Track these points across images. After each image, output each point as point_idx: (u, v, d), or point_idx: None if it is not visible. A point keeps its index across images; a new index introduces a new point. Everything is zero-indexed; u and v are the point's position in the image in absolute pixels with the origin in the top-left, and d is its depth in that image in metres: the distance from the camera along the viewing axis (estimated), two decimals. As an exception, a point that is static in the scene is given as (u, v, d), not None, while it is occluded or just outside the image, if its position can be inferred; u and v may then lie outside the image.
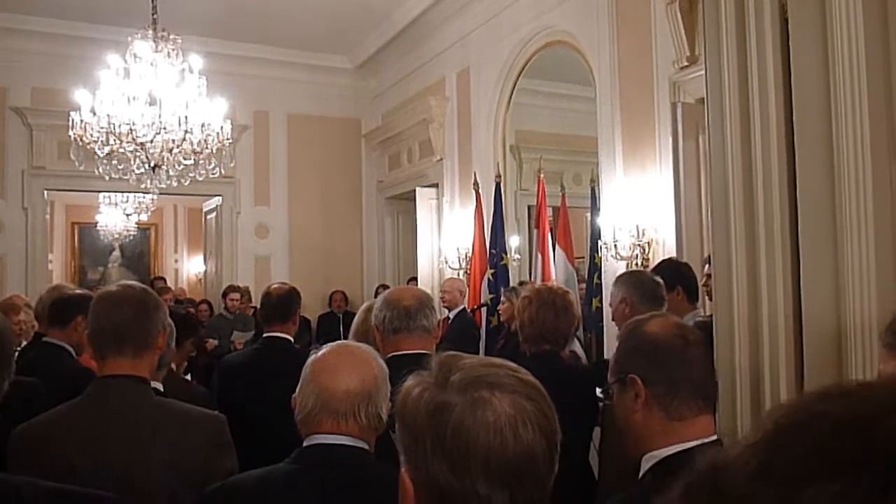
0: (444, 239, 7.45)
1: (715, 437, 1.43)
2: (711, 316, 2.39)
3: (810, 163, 1.91)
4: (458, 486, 0.88)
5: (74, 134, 5.22)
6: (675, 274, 3.26)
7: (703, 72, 2.31)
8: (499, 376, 0.93)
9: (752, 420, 2.02)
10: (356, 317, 2.85)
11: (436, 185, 7.77)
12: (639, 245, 4.93)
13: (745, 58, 2.05)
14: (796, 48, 1.96)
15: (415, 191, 7.91)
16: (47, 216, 8.24)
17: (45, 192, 7.88)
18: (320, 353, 1.62)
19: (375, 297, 4.02)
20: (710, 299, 3.51)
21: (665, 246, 4.76)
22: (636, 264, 4.86)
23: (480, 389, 0.91)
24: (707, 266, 3.58)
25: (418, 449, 0.91)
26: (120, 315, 1.80)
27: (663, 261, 3.85)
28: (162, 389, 2.37)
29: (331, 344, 1.67)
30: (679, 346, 1.44)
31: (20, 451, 1.70)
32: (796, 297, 1.97)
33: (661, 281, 2.98)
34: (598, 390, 2.79)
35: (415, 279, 7.82)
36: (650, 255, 4.86)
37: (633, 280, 2.98)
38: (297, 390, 1.58)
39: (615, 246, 5.05)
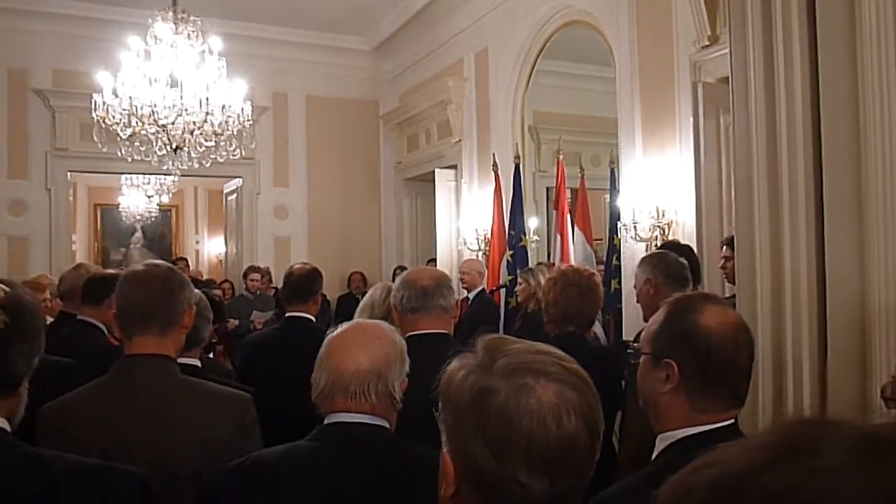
0: (463, 220, 7.45)
1: (732, 421, 1.42)
2: (733, 296, 2.38)
3: (836, 142, 1.89)
4: (499, 471, 0.88)
5: (97, 116, 5.27)
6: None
7: (724, 51, 2.29)
8: (545, 364, 0.93)
9: (773, 402, 2.02)
10: (363, 300, 2.87)
11: (454, 167, 7.75)
12: (658, 226, 4.90)
13: (770, 36, 2.02)
14: (823, 25, 1.93)
15: (433, 172, 7.90)
16: (70, 197, 8.34)
17: (68, 173, 7.96)
18: (336, 331, 1.63)
19: (393, 278, 4.03)
20: (729, 281, 3.50)
21: (685, 227, 4.72)
22: (655, 246, 4.82)
23: (526, 376, 0.91)
24: (724, 248, 3.56)
25: (460, 432, 0.91)
26: (145, 293, 1.81)
27: (667, 243, 3.83)
28: (200, 366, 2.42)
29: (347, 322, 1.68)
30: (730, 351, 1.40)
31: (47, 429, 1.72)
32: (820, 279, 1.95)
33: (685, 262, 2.96)
34: (629, 349, 2.78)
35: (434, 261, 7.84)
36: (670, 237, 4.82)
37: (657, 261, 2.96)
38: (314, 369, 1.60)
39: (634, 227, 5.02)
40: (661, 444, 1.42)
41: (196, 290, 2.41)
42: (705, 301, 1.48)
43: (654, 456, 1.43)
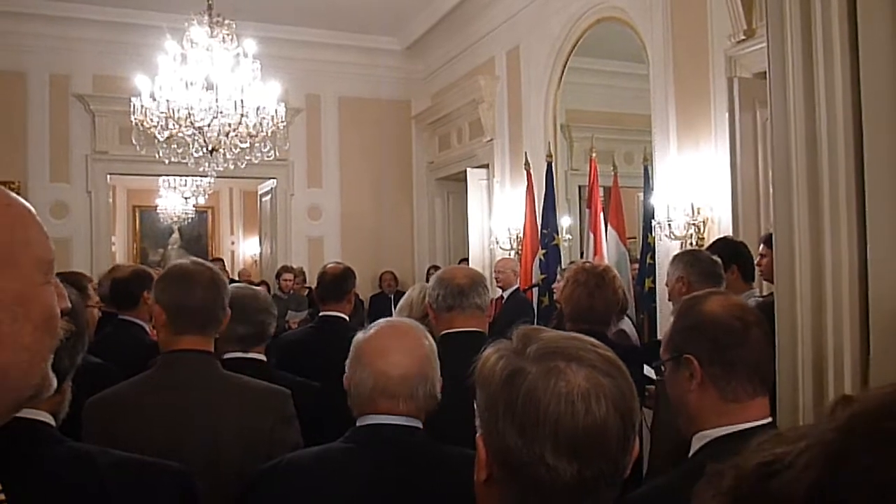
0: (495, 219, 7.44)
1: (769, 420, 1.41)
2: (770, 294, 2.34)
3: (878, 136, 1.85)
4: (527, 452, 0.89)
5: (135, 119, 5.38)
6: (731, 252, 3.19)
7: (760, 45, 2.25)
8: (577, 349, 0.94)
9: (813, 406, 1.97)
10: (401, 301, 2.89)
11: (486, 166, 7.75)
12: (693, 224, 4.84)
13: (809, 28, 1.98)
14: (863, 16, 1.88)
15: (465, 171, 7.90)
16: (110, 200, 8.54)
17: (108, 176, 8.15)
18: (370, 332, 1.60)
19: (427, 278, 4.06)
20: (764, 279, 3.44)
21: (721, 225, 4.66)
22: (691, 244, 4.77)
23: (557, 360, 0.92)
24: (762, 246, 3.50)
25: (491, 414, 0.93)
26: (193, 292, 1.85)
27: (719, 239, 3.77)
28: (265, 360, 2.46)
29: (378, 322, 1.65)
30: (738, 328, 1.41)
31: (93, 422, 1.76)
32: (862, 277, 1.91)
33: (718, 259, 2.93)
34: (646, 368, 2.74)
35: (466, 260, 7.84)
36: (705, 235, 4.76)
37: (689, 259, 2.93)
38: (348, 371, 1.58)
39: (669, 225, 4.96)
40: (697, 443, 1.41)
41: (259, 288, 2.42)
42: (709, 294, 1.53)
43: (691, 453, 1.41)
